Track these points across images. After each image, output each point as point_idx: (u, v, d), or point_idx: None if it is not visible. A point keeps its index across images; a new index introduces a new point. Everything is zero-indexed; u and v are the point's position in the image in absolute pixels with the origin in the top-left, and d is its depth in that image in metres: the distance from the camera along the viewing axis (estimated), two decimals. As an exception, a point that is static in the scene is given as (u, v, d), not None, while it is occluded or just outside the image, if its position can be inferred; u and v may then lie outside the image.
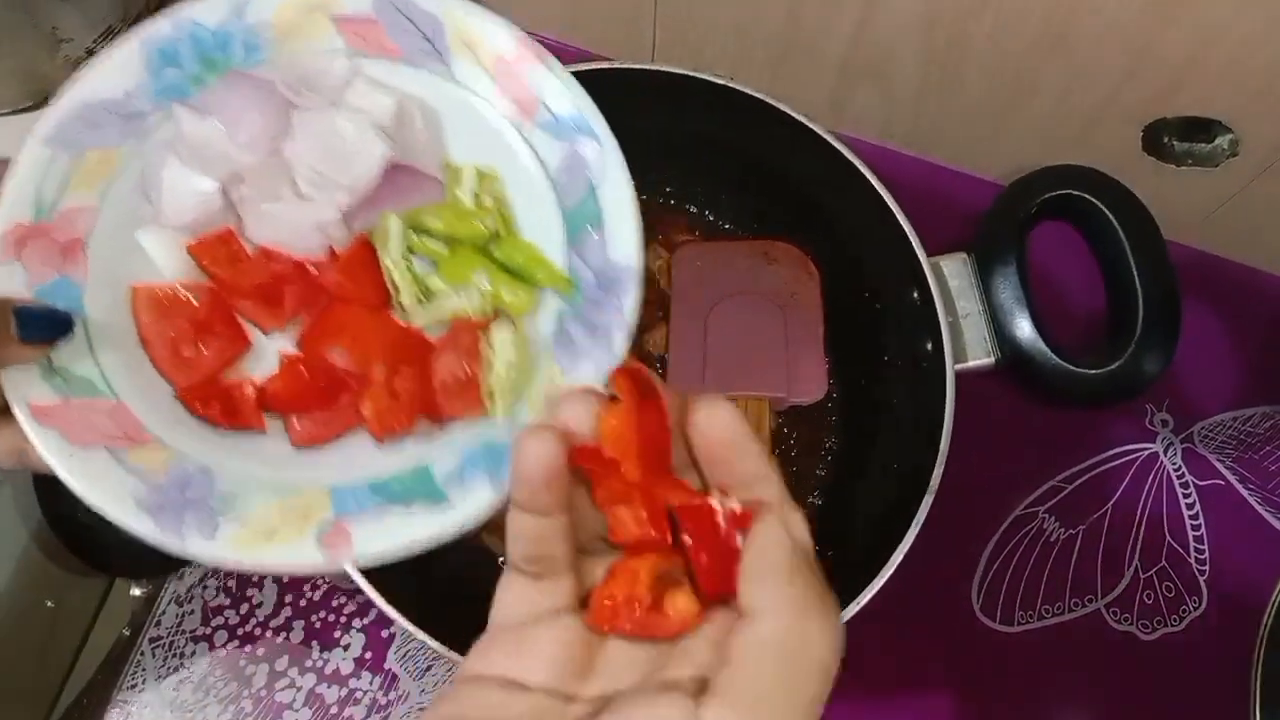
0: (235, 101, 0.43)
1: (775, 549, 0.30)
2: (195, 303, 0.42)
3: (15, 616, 0.61)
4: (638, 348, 0.65)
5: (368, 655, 0.65)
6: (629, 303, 0.41)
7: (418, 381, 0.41)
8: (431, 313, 0.42)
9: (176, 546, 0.38)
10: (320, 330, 0.42)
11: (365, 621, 0.65)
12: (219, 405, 0.41)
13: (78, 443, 0.38)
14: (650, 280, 0.67)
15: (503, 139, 0.44)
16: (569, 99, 0.43)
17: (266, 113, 0.43)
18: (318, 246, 0.42)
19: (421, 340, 0.42)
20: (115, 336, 0.41)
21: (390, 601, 0.51)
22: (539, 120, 0.44)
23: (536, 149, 0.44)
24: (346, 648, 0.65)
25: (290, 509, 0.39)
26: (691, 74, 0.60)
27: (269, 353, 0.43)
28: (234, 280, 0.42)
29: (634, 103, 0.62)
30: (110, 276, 0.41)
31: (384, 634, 0.65)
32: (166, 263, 0.42)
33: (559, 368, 0.41)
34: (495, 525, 0.60)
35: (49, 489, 0.61)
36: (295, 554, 0.38)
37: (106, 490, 0.38)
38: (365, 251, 0.42)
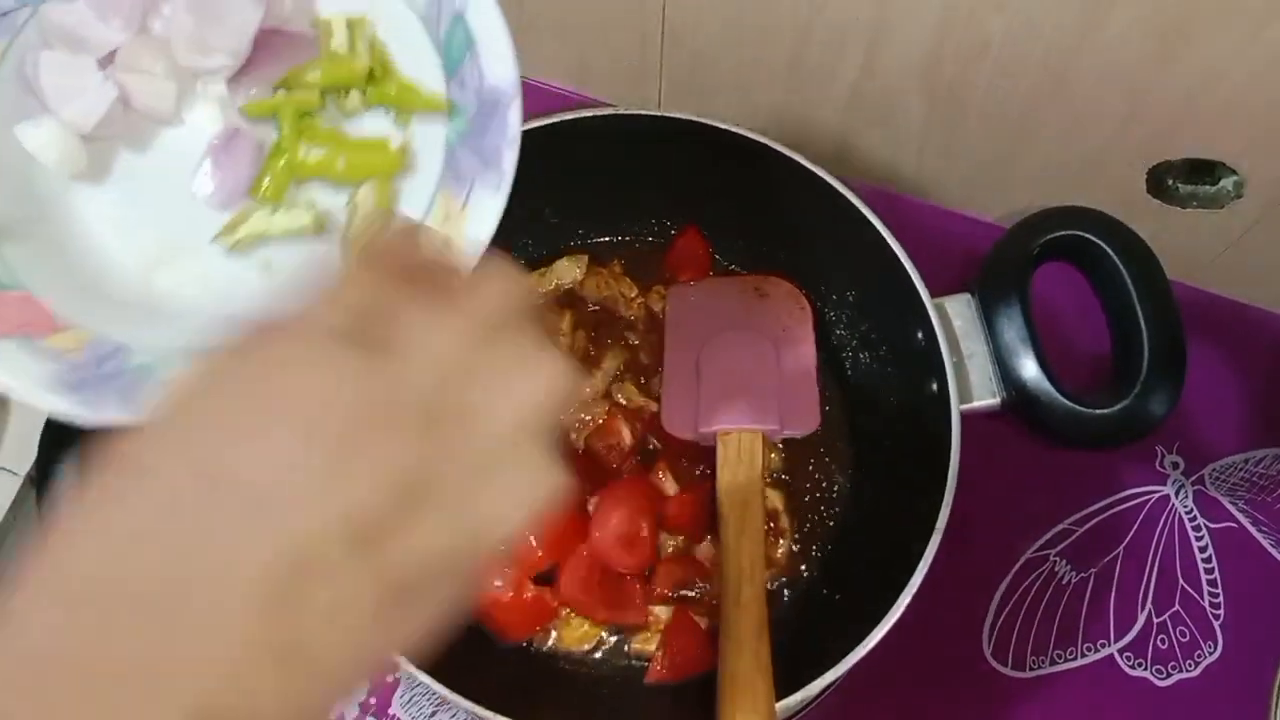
0: None
1: None
2: None
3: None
4: (646, 389, 0.65)
5: (372, 701, 0.64)
6: (513, 119, 0.41)
7: None
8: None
9: (94, 418, 0.37)
10: None
11: (370, 666, 0.65)
12: None
13: None
14: (655, 323, 0.68)
15: None
16: None
17: None
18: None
19: None
20: (17, 229, 0.40)
21: (394, 645, 0.51)
22: None
23: None
24: (351, 693, 0.64)
25: None
26: (696, 119, 0.61)
27: None
28: None
29: (639, 147, 0.64)
30: (3, 169, 0.41)
31: (389, 679, 0.65)
32: (47, 154, 0.41)
33: (454, 199, 0.41)
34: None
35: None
36: None
37: (20, 374, 0.37)
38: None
